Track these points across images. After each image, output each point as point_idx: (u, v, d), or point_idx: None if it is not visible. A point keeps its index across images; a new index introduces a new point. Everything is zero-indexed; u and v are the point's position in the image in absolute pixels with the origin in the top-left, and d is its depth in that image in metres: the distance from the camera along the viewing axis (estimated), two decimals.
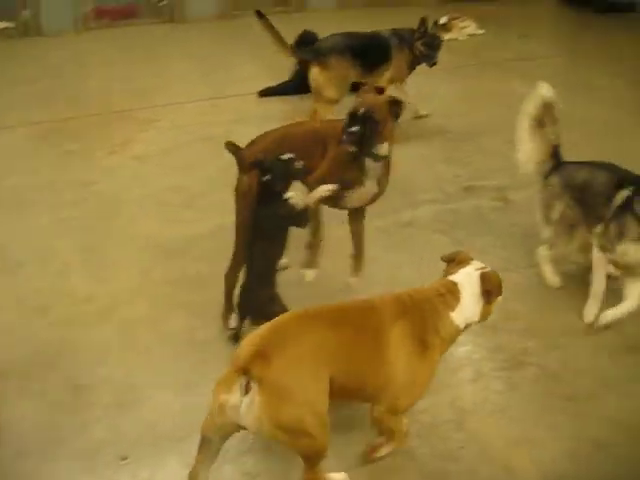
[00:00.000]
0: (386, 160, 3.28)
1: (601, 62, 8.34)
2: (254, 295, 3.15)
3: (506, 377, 3.13)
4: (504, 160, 5.36)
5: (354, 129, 3.07)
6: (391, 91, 6.01)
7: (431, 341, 2.45)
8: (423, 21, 5.69)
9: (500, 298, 2.58)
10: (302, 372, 2.28)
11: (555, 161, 3.77)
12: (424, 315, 2.46)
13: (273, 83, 6.80)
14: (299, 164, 3.06)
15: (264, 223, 3.11)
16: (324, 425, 2.31)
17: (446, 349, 2.55)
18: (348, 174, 3.23)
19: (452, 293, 2.50)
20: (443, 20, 9.06)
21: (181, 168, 5.21)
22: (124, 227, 4.38)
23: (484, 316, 2.55)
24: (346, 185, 3.24)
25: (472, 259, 2.61)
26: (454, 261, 2.61)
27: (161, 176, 5.07)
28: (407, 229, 4.32)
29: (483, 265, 2.58)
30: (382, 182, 3.36)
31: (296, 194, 3.10)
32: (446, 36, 9.00)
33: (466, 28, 9.21)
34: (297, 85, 6.61)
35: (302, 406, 2.25)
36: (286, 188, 3.06)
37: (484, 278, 2.51)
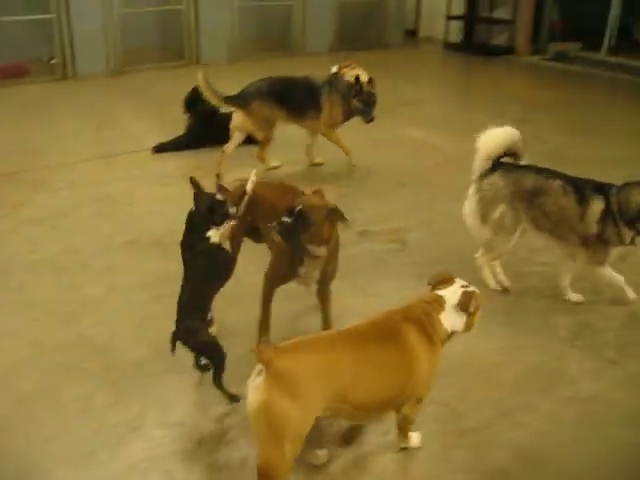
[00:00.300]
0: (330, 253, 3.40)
1: (486, 103, 8.77)
2: (181, 324, 3.19)
3: None
4: (397, 202, 5.57)
5: (284, 219, 3.18)
6: (317, 138, 6.28)
7: (434, 337, 2.75)
8: (358, 78, 5.87)
9: (479, 314, 2.83)
10: (308, 381, 2.42)
11: (493, 163, 4.02)
12: (423, 317, 2.75)
13: (166, 139, 6.78)
14: (232, 210, 3.26)
15: (186, 255, 3.27)
16: (296, 449, 2.42)
17: (441, 348, 2.80)
18: (292, 264, 3.40)
19: (438, 302, 2.79)
20: (334, 69, 9.31)
21: (75, 230, 5.09)
22: (15, 295, 4.22)
23: (468, 327, 2.83)
24: (293, 273, 3.44)
25: (455, 278, 2.89)
26: (441, 283, 2.87)
27: (55, 239, 4.93)
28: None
29: (466, 284, 2.86)
30: (326, 270, 3.47)
31: (217, 234, 3.26)
32: None
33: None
34: (190, 140, 6.66)
35: (295, 412, 2.37)
36: (207, 226, 3.22)
37: (464, 294, 2.79)
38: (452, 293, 2.80)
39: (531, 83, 10.94)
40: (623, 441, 3.07)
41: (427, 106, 8.76)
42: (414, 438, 2.94)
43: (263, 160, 6.11)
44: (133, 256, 4.68)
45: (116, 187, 5.86)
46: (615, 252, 4.00)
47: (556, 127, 7.84)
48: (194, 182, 3.33)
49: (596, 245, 3.91)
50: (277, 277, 3.53)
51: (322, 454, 2.89)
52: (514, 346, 3.71)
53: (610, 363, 3.62)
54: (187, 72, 10.12)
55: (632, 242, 3.90)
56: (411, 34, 14.30)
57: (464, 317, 2.78)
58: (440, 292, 2.82)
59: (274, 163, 6.18)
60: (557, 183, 3.93)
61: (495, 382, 3.41)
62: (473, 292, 2.80)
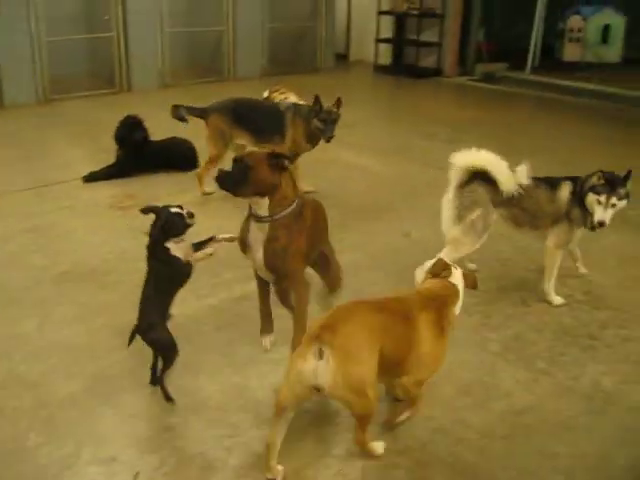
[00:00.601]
0: (278, 223, 3.33)
1: (416, 124, 8.96)
2: (142, 319, 3.37)
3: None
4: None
5: (225, 169, 3.28)
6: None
7: (445, 327, 3.06)
8: (317, 98, 5.89)
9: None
10: (361, 342, 2.78)
11: (472, 175, 4.43)
12: (440, 306, 3.07)
13: (97, 167, 6.69)
14: (191, 220, 3.38)
15: (149, 260, 3.44)
16: (376, 390, 2.84)
17: (448, 336, 3.12)
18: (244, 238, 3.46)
19: (456, 295, 3.16)
20: (265, 94, 9.37)
21: (3, 264, 4.97)
22: None
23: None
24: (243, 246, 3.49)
25: (451, 265, 3.26)
26: (443, 270, 3.21)
27: None
28: (241, 304, 4.30)
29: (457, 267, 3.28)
30: (269, 248, 3.37)
31: (176, 247, 3.38)
32: None
33: (287, 100, 9.52)
34: (121, 168, 6.60)
35: (365, 369, 2.77)
36: (165, 238, 3.35)
37: (466, 277, 3.25)
38: (459, 281, 3.20)
39: (459, 103, 11.25)
40: (552, 451, 3.15)
41: (359, 128, 8.88)
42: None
43: (200, 180, 6.10)
44: (66, 288, 4.59)
45: (46, 218, 5.74)
46: (578, 234, 4.49)
47: (484, 146, 7.99)
48: (145, 209, 3.44)
49: (563, 224, 4.42)
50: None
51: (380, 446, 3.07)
52: (447, 363, 3.74)
53: (542, 374, 3.72)
54: (118, 99, 10.09)
55: (593, 228, 4.34)
56: (342, 57, 14.55)
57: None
58: (452, 279, 3.18)
59: (208, 189, 6.14)
60: (529, 181, 4.48)
61: (430, 400, 3.44)
62: (474, 273, 3.36)
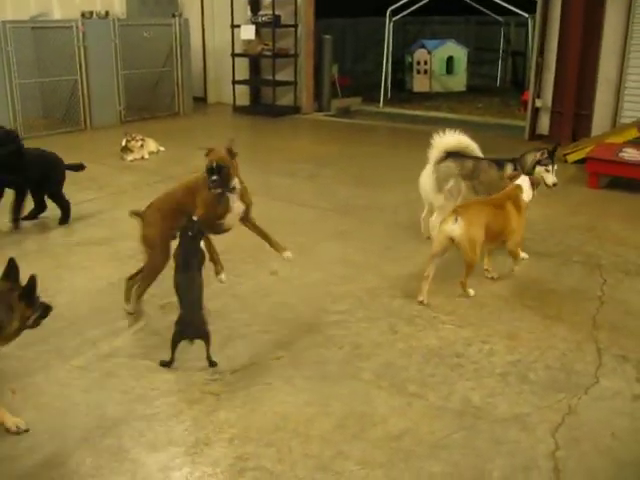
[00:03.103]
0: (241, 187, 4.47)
1: (277, 163, 9.06)
2: (195, 319, 4.04)
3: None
4: None
5: (214, 178, 4.28)
6: None
7: (522, 207, 5.21)
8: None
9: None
10: (476, 217, 4.92)
11: (445, 154, 5.94)
12: (515, 197, 5.22)
13: None
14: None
15: (194, 263, 4.16)
16: (479, 248, 4.95)
17: (524, 212, 5.25)
18: (219, 208, 4.42)
19: (519, 189, 5.25)
20: (123, 142, 9.24)
21: None
22: None
23: (532, 197, 5.34)
24: (220, 216, 4.46)
25: (519, 174, 5.43)
26: (513, 178, 5.38)
27: None
28: (109, 361, 4.16)
29: (525, 177, 5.36)
30: (244, 199, 4.52)
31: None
32: (129, 157, 9.21)
33: (146, 147, 9.43)
34: None
35: (477, 232, 4.89)
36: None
37: (531, 179, 5.37)
38: (523, 181, 5.28)
39: (317, 139, 11.50)
40: (429, 471, 3.23)
41: None
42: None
43: None
44: None
45: None
46: None
47: (343, 180, 8.28)
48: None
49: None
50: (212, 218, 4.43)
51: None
52: (323, 397, 3.80)
53: (414, 397, 3.82)
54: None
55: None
56: (201, 100, 14.56)
57: (531, 192, 5.27)
58: (517, 182, 5.27)
59: None
60: (485, 161, 6.01)
61: (310, 436, 3.46)
62: (535, 176, 5.48)
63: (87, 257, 5.85)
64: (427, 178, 6.02)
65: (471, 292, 5.05)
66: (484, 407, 3.73)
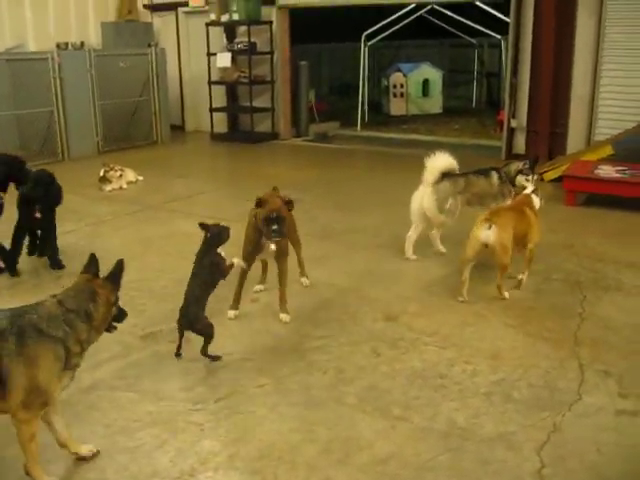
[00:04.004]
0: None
1: (256, 189, 8.96)
2: (193, 314, 4.41)
3: None
4: (177, 301, 5.50)
5: (275, 228, 4.66)
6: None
7: (535, 212, 5.64)
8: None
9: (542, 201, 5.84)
10: (507, 223, 5.29)
11: (442, 175, 6.21)
12: (529, 204, 5.65)
13: None
14: (227, 234, 4.57)
15: (204, 263, 4.51)
16: (511, 252, 5.31)
17: (538, 216, 5.68)
18: (258, 246, 4.93)
19: (530, 197, 5.72)
20: (101, 172, 9.22)
21: None
22: None
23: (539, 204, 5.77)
24: (257, 251, 4.97)
25: (527, 185, 6.04)
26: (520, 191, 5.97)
27: None
28: (91, 394, 4.10)
29: (533, 187, 5.91)
30: (280, 244, 4.94)
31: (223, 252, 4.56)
32: (107, 188, 9.18)
33: (124, 177, 9.40)
34: None
35: (508, 236, 5.26)
36: (217, 245, 4.54)
37: (535, 190, 5.82)
38: (529, 190, 5.79)
39: (296, 165, 11.55)
40: None
41: (199, 198, 8.89)
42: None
43: None
44: None
45: None
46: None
47: (323, 205, 8.30)
48: (202, 225, 4.59)
49: (498, 199, 6.30)
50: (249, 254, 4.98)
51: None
52: (308, 423, 3.78)
53: (399, 420, 3.81)
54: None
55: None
56: (179, 128, 14.58)
57: (539, 200, 5.73)
58: (526, 192, 5.80)
59: None
60: (472, 175, 6.40)
61: (295, 463, 3.44)
62: (538, 188, 5.88)
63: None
64: (426, 199, 6.24)
65: (506, 295, 5.40)
66: (469, 427, 3.73)
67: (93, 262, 3.40)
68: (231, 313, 5.12)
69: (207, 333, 4.41)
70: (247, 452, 3.54)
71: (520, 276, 5.61)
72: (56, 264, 6.27)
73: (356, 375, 4.29)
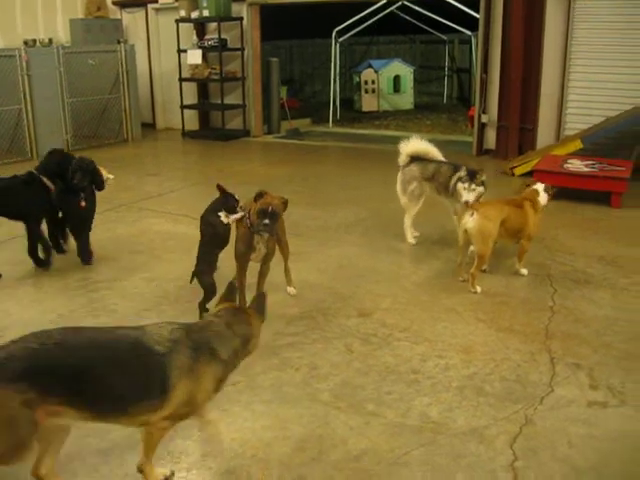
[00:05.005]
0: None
1: (229, 186, 8.98)
2: (197, 267, 5.04)
3: None
4: (147, 299, 5.46)
5: (266, 222, 4.62)
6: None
7: (537, 208, 5.71)
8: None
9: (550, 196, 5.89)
10: (492, 214, 5.44)
11: (410, 159, 6.58)
12: (532, 199, 5.72)
13: None
14: (233, 202, 4.95)
15: (202, 226, 5.07)
16: (492, 242, 5.46)
17: (540, 214, 5.77)
18: (250, 246, 4.89)
19: (536, 192, 5.79)
20: None
21: None
22: None
23: (548, 201, 5.85)
24: (248, 251, 4.91)
25: (536, 181, 6.10)
26: (530, 185, 5.98)
27: None
28: None
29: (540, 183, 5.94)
30: (269, 246, 4.94)
31: (225, 217, 4.96)
32: None
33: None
34: None
35: (490, 227, 5.40)
36: (220, 209, 4.99)
37: (546, 186, 5.85)
38: (540, 186, 5.81)
39: (268, 162, 11.52)
40: None
41: (170, 196, 8.83)
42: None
43: None
44: None
45: None
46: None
47: (295, 201, 8.09)
48: (220, 186, 5.01)
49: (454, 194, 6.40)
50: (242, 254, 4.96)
51: None
52: (282, 420, 3.77)
53: (372, 416, 3.81)
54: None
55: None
56: (150, 126, 14.46)
57: (547, 196, 5.77)
58: (535, 187, 5.82)
59: None
60: (445, 165, 6.52)
61: (269, 461, 3.42)
62: (551, 185, 5.91)
63: (36, 289, 5.72)
64: (398, 180, 6.69)
65: (478, 289, 5.46)
66: (442, 422, 3.74)
67: (232, 290, 3.41)
68: None
69: (207, 289, 4.91)
70: (220, 451, 3.52)
71: (521, 270, 5.80)
72: (88, 258, 6.25)
73: (329, 372, 4.29)
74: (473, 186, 6.17)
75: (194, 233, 7.12)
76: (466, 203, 5.69)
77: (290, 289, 5.50)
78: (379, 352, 4.53)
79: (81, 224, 6.22)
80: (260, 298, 3.39)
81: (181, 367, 2.91)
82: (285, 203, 4.80)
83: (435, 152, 6.67)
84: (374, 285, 5.72)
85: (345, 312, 5.17)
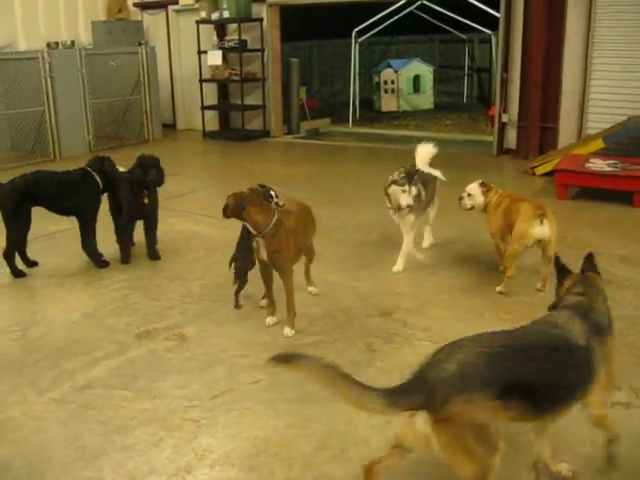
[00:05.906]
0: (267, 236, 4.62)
1: (248, 186, 9.05)
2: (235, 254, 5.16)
3: None
4: (171, 298, 5.51)
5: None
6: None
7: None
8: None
9: None
10: (551, 214, 5.30)
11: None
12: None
13: None
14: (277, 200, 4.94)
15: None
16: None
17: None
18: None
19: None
20: None
21: None
22: None
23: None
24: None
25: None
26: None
27: None
28: (86, 392, 4.09)
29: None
30: (269, 247, 4.66)
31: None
32: None
33: None
34: None
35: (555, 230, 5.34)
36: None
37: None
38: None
39: (288, 162, 11.56)
40: None
41: (191, 196, 8.90)
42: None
43: None
44: None
45: None
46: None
47: (315, 201, 8.13)
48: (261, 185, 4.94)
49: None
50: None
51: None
52: (304, 419, 3.79)
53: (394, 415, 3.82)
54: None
55: (399, 209, 5.87)
56: (170, 127, 14.57)
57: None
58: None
59: None
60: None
61: (292, 459, 3.45)
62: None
63: (61, 288, 5.79)
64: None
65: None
66: None
67: (591, 260, 3.52)
68: (268, 320, 4.99)
69: (237, 273, 5.15)
70: (243, 448, 3.55)
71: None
72: (156, 254, 6.35)
73: (351, 370, 4.19)
74: (412, 189, 5.73)
75: (216, 233, 7.25)
76: (405, 207, 5.68)
77: (312, 288, 5.51)
78: (401, 351, 4.54)
79: (148, 221, 6.30)
80: (589, 259, 3.52)
81: (599, 355, 3.10)
82: (245, 197, 4.61)
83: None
84: (394, 284, 5.73)
85: (366, 311, 5.18)
